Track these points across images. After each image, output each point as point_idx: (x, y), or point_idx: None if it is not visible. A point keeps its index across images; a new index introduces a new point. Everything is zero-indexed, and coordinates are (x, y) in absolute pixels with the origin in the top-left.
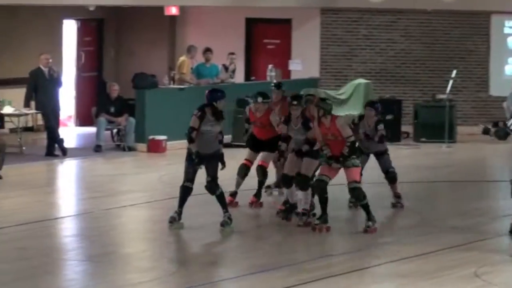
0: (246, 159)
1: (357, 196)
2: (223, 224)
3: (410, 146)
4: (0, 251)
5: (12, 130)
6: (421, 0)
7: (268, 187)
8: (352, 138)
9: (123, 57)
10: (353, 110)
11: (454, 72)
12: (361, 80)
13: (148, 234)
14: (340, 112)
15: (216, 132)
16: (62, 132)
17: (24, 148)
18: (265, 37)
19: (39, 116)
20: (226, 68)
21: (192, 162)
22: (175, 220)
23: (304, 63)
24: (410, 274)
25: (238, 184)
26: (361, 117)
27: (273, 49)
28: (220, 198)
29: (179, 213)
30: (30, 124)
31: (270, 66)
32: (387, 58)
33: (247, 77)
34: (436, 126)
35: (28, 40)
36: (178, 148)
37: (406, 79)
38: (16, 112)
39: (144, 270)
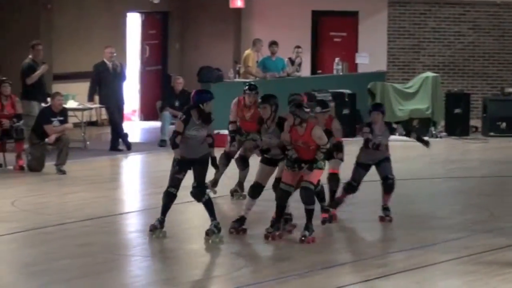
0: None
1: (305, 197)
2: (208, 233)
3: (478, 141)
4: (64, 247)
5: (76, 125)
6: None
7: (236, 191)
8: (328, 146)
9: (188, 50)
10: (421, 104)
11: None
12: (429, 74)
13: None
14: (409, 106)
15: (202, 137)
16: (127, 126)
17: (88, 142)
18: (332, 30)
19: (103, 110)
20: (292, 61)
21: (176, 168)
22: (156, 228)
23: (371, 56)
24: (478, 271)
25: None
26: (369, 124)
27: (339, 42)
28: (207, 204)
29: (162, 221)
30: (94, 119)
31: (336, 60)
32: (456, 51)
33: (314, 70)
34: (505, 120)
35: (93, 33)
36: None
37: (475, 72)
38: (80, 107)
39: (210, 266)
